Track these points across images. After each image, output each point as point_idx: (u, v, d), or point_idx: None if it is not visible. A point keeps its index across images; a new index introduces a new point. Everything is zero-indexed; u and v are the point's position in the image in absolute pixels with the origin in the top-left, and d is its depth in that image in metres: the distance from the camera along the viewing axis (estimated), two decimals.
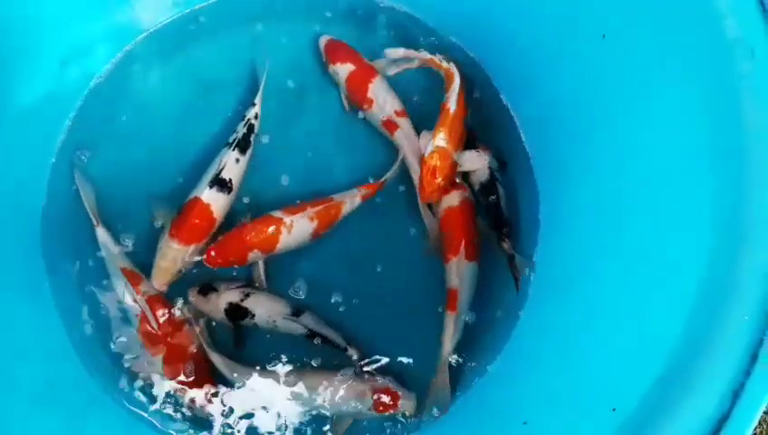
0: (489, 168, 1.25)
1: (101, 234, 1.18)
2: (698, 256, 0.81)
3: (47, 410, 1.03)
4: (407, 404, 1.13)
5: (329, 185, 1.25)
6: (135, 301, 1.15)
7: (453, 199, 1.22)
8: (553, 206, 1.18)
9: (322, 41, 1.30)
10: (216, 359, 1.16)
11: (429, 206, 1.24)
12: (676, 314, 0.81)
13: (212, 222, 1.18)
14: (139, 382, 1.16)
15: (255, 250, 1.17)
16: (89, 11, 1.18)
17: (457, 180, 1.24)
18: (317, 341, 1.17)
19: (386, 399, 1.12)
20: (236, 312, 1.16)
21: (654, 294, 0.88)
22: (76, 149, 1.24)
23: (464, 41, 1.31)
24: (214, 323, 1.19)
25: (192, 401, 1.15)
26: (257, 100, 1.25)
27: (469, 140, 1.27)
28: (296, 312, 1.17)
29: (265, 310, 1.17)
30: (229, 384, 1.16)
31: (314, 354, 1.18)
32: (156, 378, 1.16)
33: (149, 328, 1.14)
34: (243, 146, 1.21)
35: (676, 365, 0.78)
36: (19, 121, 1.14)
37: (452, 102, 1.20)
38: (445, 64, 1.23)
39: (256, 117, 1.25)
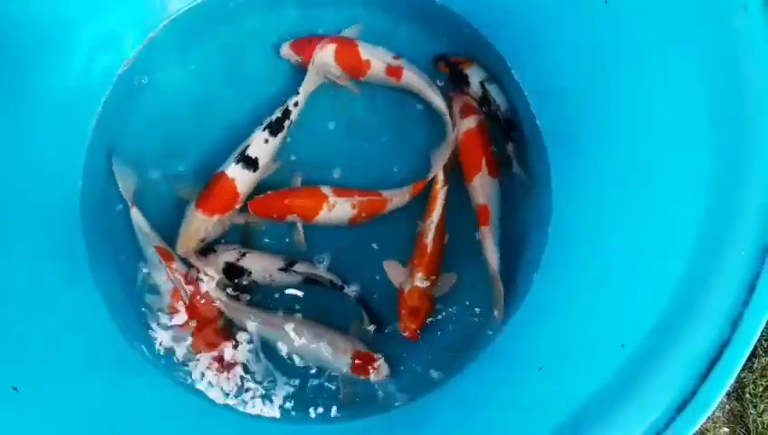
0: (480, 82, 1.30)
1: (135, 214, 1.24)
2: (697, 202, 0.87)
3: (91, 379, 1.09)
4: (381, 374, 1.19)
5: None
6: (168, 277, 1.22)
7: (470, 122, 1.28)
8: (564, 170, 1.23)
9: (286, 48, 1.30)
10: (217, 293, 1.22)
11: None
12: (678, 255, 0.86)
13: (235, 196, 1.24)
14: (176, 350, 1.24)
15: (294, 214, 1.25)
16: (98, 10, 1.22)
17: (472, 104, 1.29)
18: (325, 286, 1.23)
19: (362, 363, 1.19)
20: (233, 270, 1.24)
21: (658, 239, 0.93)
22: (109, 132, 1.31)
23: (467, 13, 1.35)
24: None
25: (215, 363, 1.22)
26: (301, 89, 1.28)
27: (456, 71, 1.31)
28: (290, 263, 1.24)
29: (260, 266, 1.23)
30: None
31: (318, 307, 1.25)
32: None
33: (180, 304, 1.23)
34: (275, 128, 1.26)
35: (679, 301, 0.83)
36: (52, 107, 1.20)
37: (429, 237, 1.21)
38: (437, 186, 1.24)
39: (296, 105, 1.28)
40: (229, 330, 1.24)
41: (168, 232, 1.25)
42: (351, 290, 1.24)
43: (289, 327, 1.22)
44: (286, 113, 1.28)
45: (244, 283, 1.25)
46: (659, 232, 0.93)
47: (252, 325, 1.23)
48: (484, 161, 1.26)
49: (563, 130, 1.23)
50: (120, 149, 1.30)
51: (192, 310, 1.23)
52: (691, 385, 0.76)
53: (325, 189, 1.26)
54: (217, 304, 1.23)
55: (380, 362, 1.20)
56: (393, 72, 1.30)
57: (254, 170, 1.25)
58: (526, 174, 1.28)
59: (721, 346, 0.76)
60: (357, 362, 1.20)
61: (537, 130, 1.28)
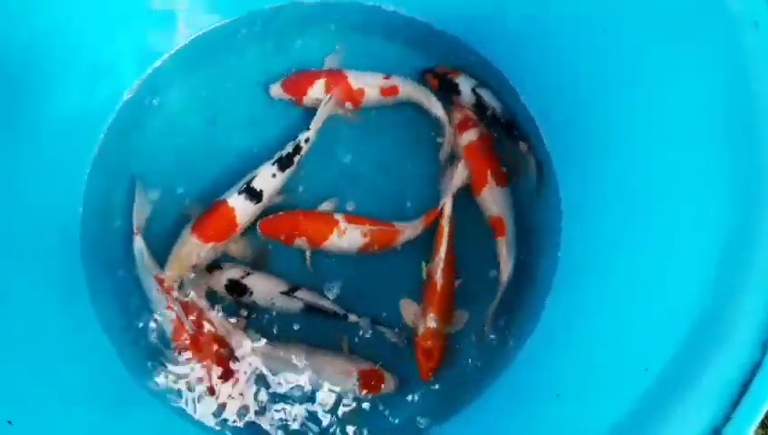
0: (472, 89, 1.30)
1: (138, 242, 1.22)
2: (720, 217, 0.84)
3: (89, 410, 1.06)
4: (389, 386, 1.17)
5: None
6: (169, 307, 1.19)
7: (470, 135, 1.27)
8: (575, 189, 1.22)
9: (276, 89, 1.30)
10: (216, 318, 1.19)
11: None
12: (701, 273, 0.83)
13: (233, 226, 1.22)
14: (175, 379, 1.20)
15: (303, 238, 1.22)
16: (120, 28, 1.23)
17: (472, 116, 1.29)
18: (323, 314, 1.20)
19: (370, 380, 1.17)
20: (236, 287, 1.21)
21: (679, 257, 0.90)
22: (111, 161, 1.29)
23: (468, 37, 1.35)
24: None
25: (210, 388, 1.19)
26: (312, 125, 1.27)
27: (445, 81, 1.30)
28: (292, 289, 1.22)
29: (262, 287, 1.21)
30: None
31: (317, 334, 1.22)
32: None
33: (183, 335, 1.19)
34: (284, 163, 1.24)
35: (705, 321, 0.80)
36: (54, 134, 1.19)
37: (439, 275, 1.19)
38: (443, 222, 1.21)
39: (307, 141, 1.27)
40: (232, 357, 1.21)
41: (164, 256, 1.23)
42: (355, 319, 1.21)
43: (289, 356, 1.19)
44: (297, 149, 1.26)
45: (245, 302, 1.23)
46: (680, 249, 0.90)
47: (251, 355, 1.20)
48: (489, 173, 1.25)
49: (573, 149, 1.21)
50: (123, 176, 1.29)
51: (196, 339, 1.20)
52: (722, 413, 0.72)
53: (337, 215, 1.24)
54: (216, 328, 1.20)
55: (386, 375, 1.18)
56: (388, 91, 1.30)
57: (257, 203, 1.23)
58: (540, 174, 1.26)
59: (752, 369, 0.72)
60: (363, 381, 1.17)
61: (545, 149, 1.27)
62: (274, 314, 1.23)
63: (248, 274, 1.23)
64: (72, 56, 1.18)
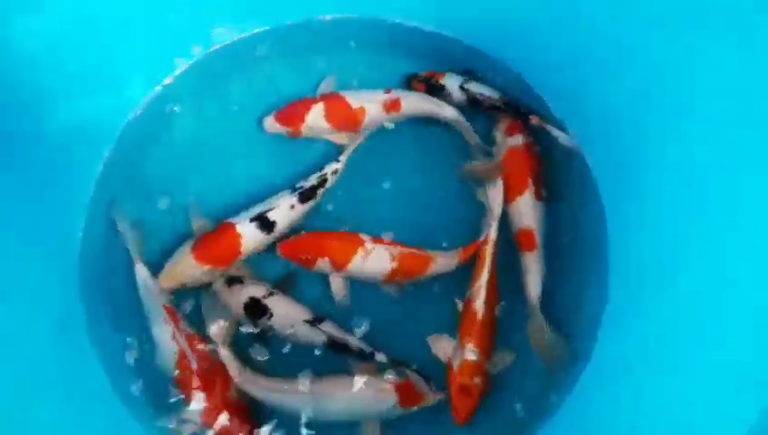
0: (459, 87, 1.24)
1: (141, 270, 1.11)
2: None
3: None
4: (429, 396, 1.04)
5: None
6: (174, 338, 1.07)
7: (515, 141, 1.19)
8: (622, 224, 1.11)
9: (270, 122, 1.21)
10: (226, 355, 1.07)
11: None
12: None
13: (236, 254, 1.12)
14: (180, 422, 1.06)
15: (326, 258, 1.11)
16: (127, 46, 1.17)
17: (519, 125, 1.19)
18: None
19: (410, 393, 1.04)
20: (255, 307, 1.09)
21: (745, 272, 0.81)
22: (116, 182, 1.21)
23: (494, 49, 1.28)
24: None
25: None
26: (342, 157, 1.20)
27: (431, 84, 1.24)
28: (317, 319, 1.09)
29: (284, 312, 1.09)
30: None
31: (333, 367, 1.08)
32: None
33: (187, 371, 1.06)
34: (306, 195, 1.15)
35: None
36: (56, 156, 1.12)
37: (479, 302, 1.06)
38: (487, 253, 1.10)
39: (335, 173, 1.19)
40: (244, 402, 1.07)
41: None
42: (383, 359, 1.06)
43: (313, 391, 1.04)
44: (322, 181, 1.17)
45: (260, 326, 1.10)
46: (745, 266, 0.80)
47: (272, 398, 1.06)
48: (529, 181, 1.15)
49: (622, 182, 1.11)
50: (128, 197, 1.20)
51: (201, 376, 1.06)
52: None
53: (363, 235, 1.13)
54: (231, 374, 1.07)
55: (423, 385, 1.04)
56: (391, 106, 1.22)
57: (267, 234, 1.13)
58: (563, 132, 1.17)
59: None
60: (402, 395, 1.03)
61: (587, 167, 1.17)
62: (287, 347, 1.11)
63: (271, 294, 1.11)
64: (78, 71, 1.11)
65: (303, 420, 1.04)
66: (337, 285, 1.13)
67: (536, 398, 1.08)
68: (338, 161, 1.19)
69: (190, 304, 1.13)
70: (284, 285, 1.14)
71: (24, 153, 1.06)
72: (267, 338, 1.11)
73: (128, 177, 1.22)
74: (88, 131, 1.16)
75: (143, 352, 1.10)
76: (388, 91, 1.23)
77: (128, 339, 1.12)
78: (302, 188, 1.16)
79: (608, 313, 1.06)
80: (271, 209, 1.13)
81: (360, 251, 1.10)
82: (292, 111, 1.21)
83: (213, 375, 1.06)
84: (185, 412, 1.05)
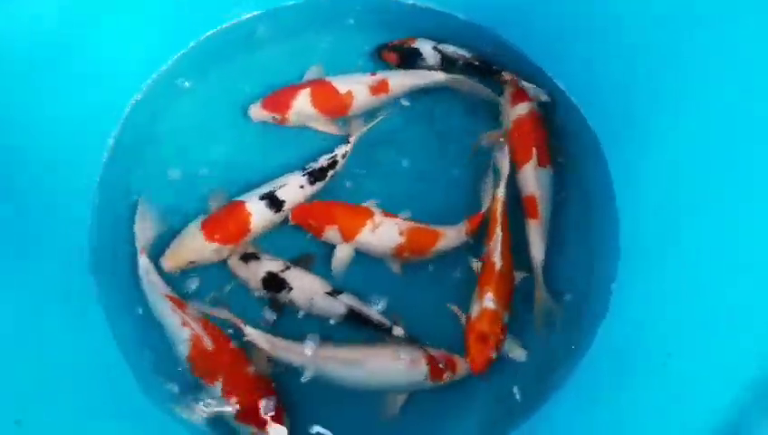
0: (433, 48, 1.25)
1: (144, 262, 1.10)
2: None
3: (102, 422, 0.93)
4: (463, 367, 1.04)
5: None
6: (185, 324, 1.05)
7: (522, 109, 1.19)
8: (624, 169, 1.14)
9: (257, 110, 1.20)
10: (252, 332, 1.05)
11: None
12: None
13: (245, 231, 1.11)
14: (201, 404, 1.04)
15: (335, 227, 1.11)
16: (128, 31, 1.16)
17: (525, 92, 1.21)
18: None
19: (442, 364, 1.03)
20: (273, 281, 1.08)
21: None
22: (123, 167, 1.19)
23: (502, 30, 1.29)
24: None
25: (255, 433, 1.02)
26: (352, 139, 1.19)
27: (404, 50, 1.25)
28: (336, 291, 1.09)
29: (303, 285, 1.09)
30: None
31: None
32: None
33: (204, 354, 1.04)
34: (315, 176, 1.16)
35: None
36: (62, 141, 1.10)
37: (496, 255, 1.08)
38: (498, 211, 1.11)
39: (344, 156, 1.19)
40: (263, 376, 1.06)
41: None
42: (401, 332, 1.06)
43: (345, 357, 1.04)
44: (333, 163, 1.17)
45: (280, 301, 1.09)
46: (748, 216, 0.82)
47: (306, 365, 1.04)
48: (534, 149, 1.16)
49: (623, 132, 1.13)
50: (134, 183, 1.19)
51: (216, 357, 1.04)
52: None
53: (374, 207, 1.13)
54: (256, 339, 1.05)
55: (457, 358, 1.04)
56: (378, 88, 1.22)
57: (276, 212, 1.12)
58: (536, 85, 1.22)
59: None
60: (433, 367, 1.03)
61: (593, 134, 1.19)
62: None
63: (288, 268, 1.11)
64: (79, 59, 1.10)
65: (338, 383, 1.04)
66: (341, 254, 1.13)
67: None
68: (347, 143, 1.19)
69: (195, 283, 1.12)
70: (301, 264, 1.14)
71: (30, 136, 1.04)
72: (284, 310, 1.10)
73: (135, 158, 1.21)
74: (93, 114, 1.15)
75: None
76: (373, 74, 1.23)
77: (139, 310, 1.10)
78: (311, 169, 1.16)
79: (619, 274, 1.08)
80: (280, 188, 1.13)
81: (370, 223, 1.11)
82: (278, 98, 1.21)
83: (230, 353, 1.05)
84: (205, 394, 1.02)
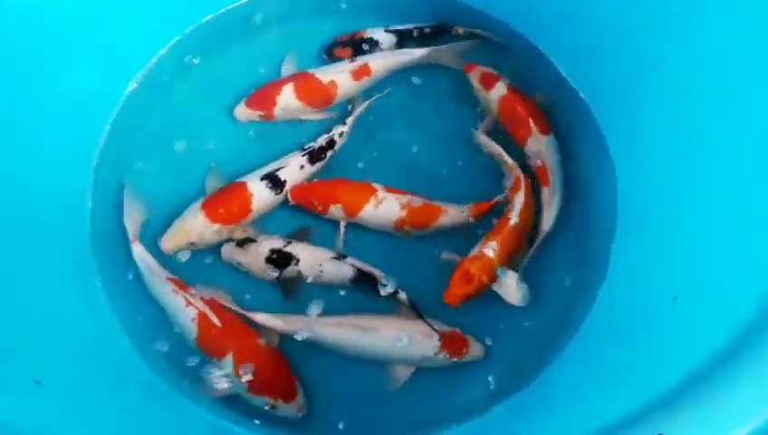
0: (385, 31, 1.27)
1: (138, 250, 1.09)
2: None
3: (116, 409, 0.93)
4: (476, 350, 1.05)
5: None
6: (190, 304, 1.05)
7: (500, 90, 1.20)
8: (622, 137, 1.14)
9: (243, 110, 1.20)
10: (263, 318, 1.05)
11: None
12: None
13: (246, 211, 1.12)
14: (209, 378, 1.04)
15: (339, 205, 1.12)
16: (123, 16, 1.17)
17: (490, 71, 1.21)
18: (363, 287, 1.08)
19: (454, 341, 1.04)
20: (279, 257, 1.09)
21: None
22: (119, 153, 1.20)
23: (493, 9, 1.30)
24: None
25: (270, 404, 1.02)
26: (349, 120, 1.20)
27: (357, 41, 1.26)
28: (341, 256, 1.10)
29: (310, 254, 1.09)
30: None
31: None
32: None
33: (212, 331, 1.03)
34: (314, 157, 1.16)
35: None
36: (59, 127, 1.11)
37: (515, 214, 1.09)
38: (516, 172, 1.13)
39: (341, 135, 1.19)
40: (275, 349, 1.06)
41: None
42: (404, 298, 1.07)
43: (360, 324, 1.04)
44: (331, 143, 1.18)
45: (287, 276, 1.09)
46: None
47: (321, 333, 1.05)
48: (531, 121, 1.17)
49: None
50: (132, 169, 1.20)
51: (225, 332, 1.04)
52: None
53: (376, 184, 1.14)
54: (268, 323, 1.05)
55: (470, 340, 1.05)
56: (360, 72, 1.22)
57: (278, 193, 1.13)
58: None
59: None
60: (446, 342, 1.03)
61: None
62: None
63: (289, 242, 1.11)
64: (77, 41, 1.11)
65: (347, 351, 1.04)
66: (343, 232, 1.14)
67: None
68: (344, 124, 1.20)
69: (184, 256, 1.12)
70: (300, 238, 1.14)
71: (32, 111, 1.06)
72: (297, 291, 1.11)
73: (133, 137, 1.22)
74: (89, 102, 1.17)
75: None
76: (352, 60, 1.24)
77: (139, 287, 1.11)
78: (311, 148, 1.17)
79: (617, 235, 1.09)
80: (281, 168, 1.14)
81: (373, 199, 1.11)
82: (262, 96, 1.21)
83: (238, 327, 1.05)
84: (216, 371, 1.02)
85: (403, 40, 1.28)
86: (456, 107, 1.26)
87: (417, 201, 1.12)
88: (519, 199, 1.10)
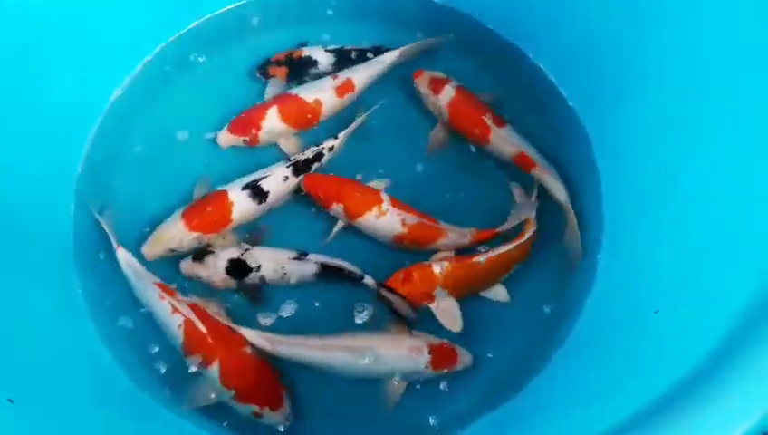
0: (324, 51, 1.26)
1: (123, 255, 1.08)
2: None
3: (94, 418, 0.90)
4: (465, 359, 1.04)
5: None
6: (176, 310, 1.02)
7: (448, 93, 1.19)
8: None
9: (225, 136, 1.18)
10: (252, 335, 1.03)
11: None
12: None
13: (226, 221, 1.11)
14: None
15: (341, 205, 1.11)
16: (109, 23, 1.17)
17: (437, 75, 1.21)
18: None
19: (444, 355, 1.03)
20: (239, 267, 1.07)
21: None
22: (99, 161, 1.19)
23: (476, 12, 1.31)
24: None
25: (257, 412, 1.00)
26: (341, 134, 1.18)
27: (294, 61, 1.25)
28: (302, 254, 1.09)
29: (270, 259, 1.08)
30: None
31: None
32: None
33: (197, 338, 1.01)
34: (300, 168, 1.15)
35: None
36: (43, 132, 1.09)
37: (487, 255, 1.07)
38: (530, 228, 1.10)
39: (331, 149, 1.18)
40: (261, 357, 1.04)
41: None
42: (372, 282, 1.07)
43: (345, 346, 1.03)
44: (318, 156, 1.16)
45: (249, 284, 1.08)
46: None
47: (303, 356, 1.03)
48: (486, 117, 1.18)
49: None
50: (114, 178, 1.19)
51: (213, 340, 1.01)
52: None
53: (384, 195, 1.13)
54: (254, 340, 1.03)
55: (459, 350, 1.04)
56: (343, 88, 1.21)
57: (259, 203, 1.12)
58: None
59: None
60: (435, 356, 1.02)
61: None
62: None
63: (246, 250, 1.10)
64: (61, 51, 1.10)
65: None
66: (335, 233, 1.13)
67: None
68: (335, 138, 1.18)
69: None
70: (257, 241, 1.13)
71: (14, 117, 1.04)
72: (261, 296, 1.10)
73: (117, 144, 1.21)
74: (73, 109, 1.15)
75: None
76: (335, 77, 1.23)
77: (119, 295, 1.09)
78: (296, 160, 1.15)
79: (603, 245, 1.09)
80: (264, 178, 1.12)
81: (376, 209, 1.10)
82: (246, 120, 1.18)
83: (224, 335, 1.03)
84: (202, 380, 1.00)
85: (342, 60, 1.27)
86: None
87: (421, 221, 1.10)
88: (507, 247, 1.08)
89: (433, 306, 1.06)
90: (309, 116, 1.20)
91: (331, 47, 1.27)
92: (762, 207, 0.78)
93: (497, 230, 1.11)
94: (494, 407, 1.01)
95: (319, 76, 1.25)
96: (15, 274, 0.96)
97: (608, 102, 1.12)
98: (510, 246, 1.08)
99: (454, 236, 1.11)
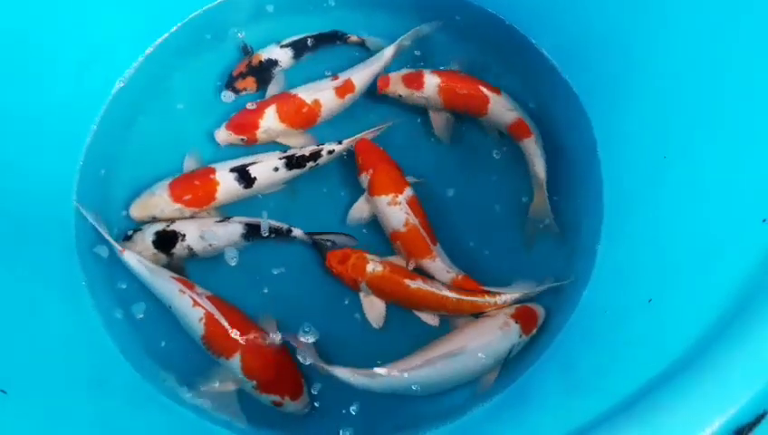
0: (280, 47, 1.26)
1: (130, 257, 1.07)
2: None
3: (98, 409, 0.92)
4: (540, 311, 1.06)
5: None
6: (197, 303, 1.03)
7: (432, 80, 1.18)
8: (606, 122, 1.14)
9: (223, 134, 1.18)
10: (346, 373, 1.00)
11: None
12: None
13: (209, 199, 1.12)
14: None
15: (370, 176, 1.12)
16: (110, 14, 1.16)
17: (412, 72, 1.20)
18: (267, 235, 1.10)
19: (526, 316, 1.04)
20: (166, 238, 1.09)
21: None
22: (100, 158, 1.19)
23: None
24: None
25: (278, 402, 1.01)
26: (345, 141, 1.16)
27: (257, 67, 1.24)
28: (225, 218, 1.12)
29: (194, 226, 1.10)
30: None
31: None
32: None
33: (218, 330, 1.01)
34: (292, 163, 1.14)
35: None
36: (45, 126, 1.10)
37: (414, 284, 1.05)
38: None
39: (330, 153, 1.16)
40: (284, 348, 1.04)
41: None
42: (300, 234, 1.09)
43: (442, 354, 1.00)
44: (315, 156, 1.15)
45: (179, 256, 1.10)
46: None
47: (409, 380, 0.99)
48: (481, 88, 1.18)
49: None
50: (116, 171, 1.20)
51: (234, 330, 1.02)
52: None
53: (409, 190, 1.12)
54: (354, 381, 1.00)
55: (532, 305, 1.06)
56: (343, 90, 1.20)
57: (245, 187, 1.12)
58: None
59: None
60: (524, 322, 1.03)
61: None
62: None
63: (173, 221, 1.12)
64: (62, 43, 1.10)
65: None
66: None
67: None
68: (339, 143, 1.16)
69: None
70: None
71: (16, 110, 1.05)
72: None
73: (120, 137, 1.22)
74: (75, 102, 1.16)
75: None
76: (335, 78, 1.21)
77: (123, 286, 1.11)
78: (291, 154, 1.14)
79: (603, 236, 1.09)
80: (254, 164, 1.12)
81: (392, 196, 1.09)
82: (244, 120, 1.17)
83: (244, 326, 1.03)
84: (224, 371, 1.02)
85: (299, 51, 1.26)
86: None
87: (420, 231, 1.07)
88: (446, 290, 1.05)
89: (361, 295, 1.08)
90: (307, 116, 1.19)
91: (285, 41, 1.27)
92: (761, 197, 0.76)
93: (483, 289, 1.06)
94: (488, 398, 1.01)
95: (285, 73, 1.26)
96: (18, 265, 0.97)
97: (611, 88, 1.11)
98: (450, 293, 1.04)
99: (439, 263, 1.07)
